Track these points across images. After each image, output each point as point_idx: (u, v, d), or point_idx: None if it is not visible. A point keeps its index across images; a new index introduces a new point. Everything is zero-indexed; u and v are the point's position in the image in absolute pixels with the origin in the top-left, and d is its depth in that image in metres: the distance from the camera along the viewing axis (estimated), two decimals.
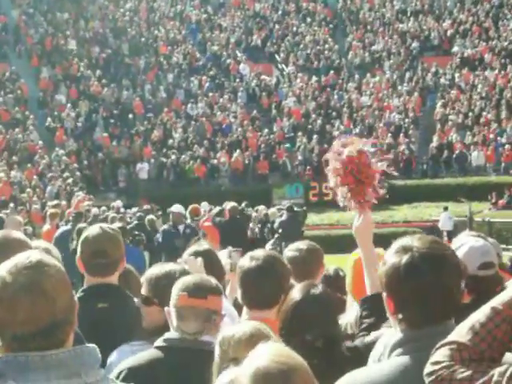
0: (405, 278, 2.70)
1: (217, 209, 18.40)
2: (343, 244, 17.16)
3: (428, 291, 2.68)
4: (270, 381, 2.23)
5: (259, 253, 4.21)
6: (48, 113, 36.48)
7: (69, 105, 36.56)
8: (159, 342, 3.60)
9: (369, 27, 46.13)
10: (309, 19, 46.57)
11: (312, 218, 28.22)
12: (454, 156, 36.04)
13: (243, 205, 20.45)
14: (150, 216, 18.64)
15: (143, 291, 3.98)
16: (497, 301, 2.34)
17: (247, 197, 25.22)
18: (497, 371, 2.20)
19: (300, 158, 36.08)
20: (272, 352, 2.30)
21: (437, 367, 2.31)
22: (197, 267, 4.61)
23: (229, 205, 17.81)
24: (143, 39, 42.67)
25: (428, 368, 2.33)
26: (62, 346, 2.42)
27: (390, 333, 3.02)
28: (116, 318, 3.90)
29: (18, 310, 2.37)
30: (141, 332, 3.87)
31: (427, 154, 37.04)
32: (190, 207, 17.92)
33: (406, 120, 38.83)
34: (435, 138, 37.23)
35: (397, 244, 2.80)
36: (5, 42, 40.35)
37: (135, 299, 4.17)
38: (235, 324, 4.00)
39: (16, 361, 2.36)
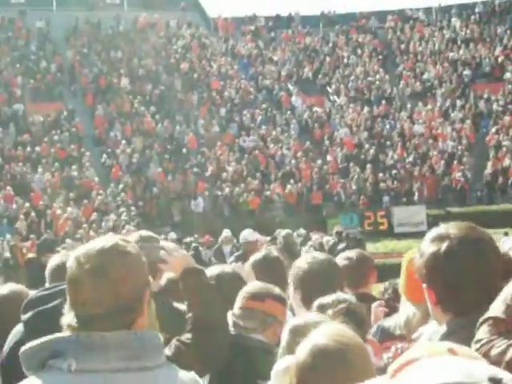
0: (446, 266, 2.66)
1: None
2: (399, 272, 17.01)
3: (470, 276, 2.65)
4: (328, 358, 2.27)
5: (316, 255, 4.27)
6: (103, 150, 36.95)
7: (123, 141, 36.98)
8: None
9: (419, 56, 46.05)
10: (359, 50, 46.69)
11: (367, 247, 28.04)
12: (510, 182, 35.64)
13: (296, 233, 20.44)
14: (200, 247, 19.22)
15: None
16: None
17: (302, 227, 25.21)
18: None
19: (354, 187, 36.00)
20: (332, 331, 2.34)
21: (478, 345, 2.32)
22: (245, 273, 4.70)
23: (282, 232, 17.82)
24: (195, 75, 43.11)
25: (472, 348, 2.33)
26: (124, 329, 2.46)
27: (429, 332, 3.00)
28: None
29: (81, 292, 2.45)
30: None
31: (482, 181, 36.69)
32: None
33: (460, 147, 38.55)
34: (489, 165, 36.88)
35: (431, 234, 2.77)
36: (60, 82, 41.06)
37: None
38: None
39: (77, 340, 2.41)
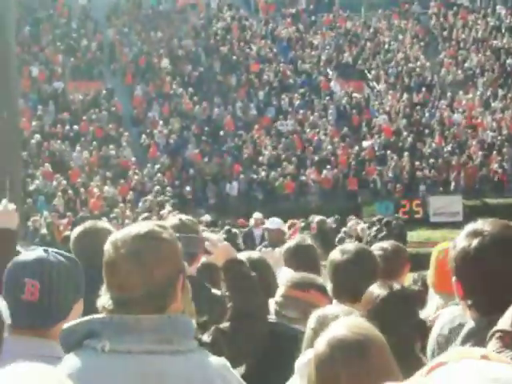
0: (474, 263, 2.64)
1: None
2: None
3: (498, 276, 2.62)
4: (346, 349, 2.28)
5: (349, 246, 4.26)
6: (141, 130, 37.11)
7: (161, 122, 37.11)
8: None
9: (462, 44, 45.58)
10: (400, 36, 46.31)
11: None
12: None
13: (331, 219, 20.40)
14: (234, 229, 18.99)
15: None
16: None
17: (337, 214, 25.15)
18: None
19: (390, 175, 35.82)
20: (351, 323, 2.36)
21: None
22: (274, 259, 4.71)
23: (316, 218, 17.76)
24: (235, 57, 43.08)
25: None
26: (158, 313, 2.53)
27: (449, 311, 3.00)
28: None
29: (116, 275, 2.54)
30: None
31: None
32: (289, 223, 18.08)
33: (499, 137, 38.17)
34: None
35: (468, 228, 2.74)
36: (100, 61, 41.28)
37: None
38: None
39: (112, 322, 2.50)
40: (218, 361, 2.62)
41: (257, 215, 19.01)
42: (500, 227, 2.70)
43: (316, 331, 2.97)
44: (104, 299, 2.56)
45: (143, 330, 2.48)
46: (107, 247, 2.58)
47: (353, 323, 2.40)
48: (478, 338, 2.61)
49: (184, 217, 4.88)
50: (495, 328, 2.35)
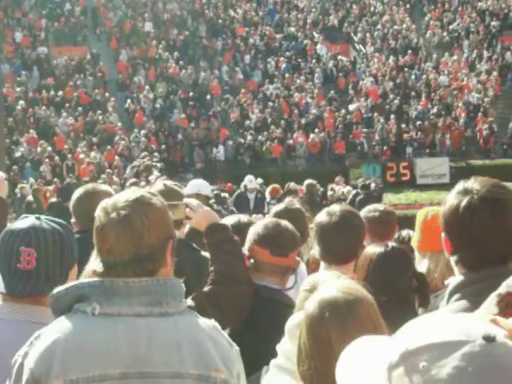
0: (462, 220, 2.70)
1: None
2: None
3: (485, 233, 2.67)
4: (336, 308, 2.32)
5: (336, 208, 4.26)
6: (127, 95, 36.93)
7: (147, 87, 36.94)
8: None
9: (447, 6, 45.46)
10: None
11: (389, 198, 28.05)
12: None
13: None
14: (223, 194, 19.02)
15: None
16: None
17: (324, 177, 25.22)
18: None
19: (377, 138, 35.84)
20: (340, 284, 2.40)
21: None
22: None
23: (305, 182, 17.84)
24: (220, 21, 42.82)
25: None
26: (146, 277, 2.56)
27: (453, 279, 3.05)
28: (185, 270, 4.01)
29: (106, 239, 2.56)
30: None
31: (506, 134, 36.40)
32: (270, 187, 18.12)
33: (485, 99, 38.21)
34: None
35: (459, 186, 2.81)
36: (84, 26, 40.95)
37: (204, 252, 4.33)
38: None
39: (101, 285, 2.52)
40: (207, 322, 2.66)
41: (249, 179, 19.06)
42: (489, 186, 2.75)
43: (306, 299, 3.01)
44: (94, 263, 2.59)
45: (132, 293, 2.51)
46: (97, 213, 2.61)
47: (341, 284, 2.44)
48: (464, 291, 2.70)
49: (169, 182, 4.88)
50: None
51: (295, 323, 2.76)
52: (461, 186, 2.79)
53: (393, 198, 29.19)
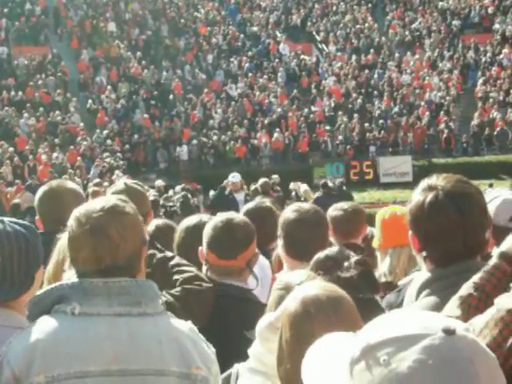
0: (428, 216, 2.71)
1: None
2: None
3: (451, 229, 2.69)
4: (320, 305, 2.31)
5: (301, 205, 4.26)
6: (89, 95, 36.71)
7: (109, 87, 36.75)
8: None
9: (408, 5, 45.77)
10: None
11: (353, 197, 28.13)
12: (495, 134, 35.69)
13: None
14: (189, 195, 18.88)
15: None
16: (474, 276, 2.43)
17: (288, 176, 25.18)
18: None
19: (340, 137, 35.96)
20: (321, 284, 2.39)
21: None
22: None
23: (260, 181, 17.68)
24: (182, 20, 42.72)
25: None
26: None
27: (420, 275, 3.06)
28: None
29: (82, 249, 2.56)
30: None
31: (468, 132, 36.70)
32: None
33: (447, 98, 38.48)
34: (476, 116, 36.90)
35: (423, 183, 2.82)
36: (45, 25, 40.63)
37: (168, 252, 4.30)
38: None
39: (81, 286, 2.53)
40: (185, 324, 2.68)
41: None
42: (454, 182, 2.77)
43: (279, 298, 2.97)
44: (69, 274, 2.61)
45: (112, 293, 2.52)
46: (71, 223, 2.61)
47: (320, 283, 2.43)
48: (432, 287, 2.72)
49: (129, 181, 4.84)
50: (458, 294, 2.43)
51: (265, 325, 2.73)
52: (425, 183, 2.81)
53: (356, 197, 29.24)
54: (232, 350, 3.06)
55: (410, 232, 2.81)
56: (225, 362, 2.98)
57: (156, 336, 2.54)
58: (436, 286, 2.69)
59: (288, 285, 2.94)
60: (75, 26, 40.56)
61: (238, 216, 3.99)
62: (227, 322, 3.66)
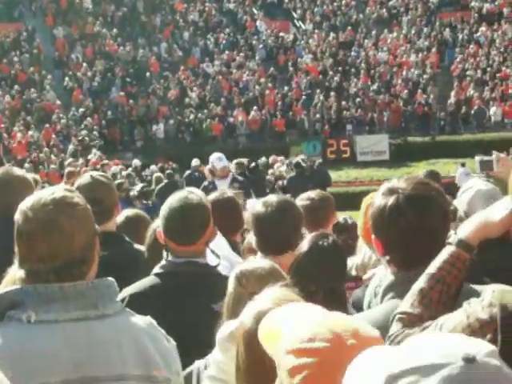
0: (390, 220, 2.70)
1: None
2: (361, 201, 16.94)
3: (413, 233, 2.68)
4: None
5: (272, 198, 4.22)
6: (64, 72, 36.41)
7: (85, 64, 36.47)
8: (157, 269, 3.77)
9: None
10: None
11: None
12: (472, 112, 35.74)
13: (259, 161, 20.33)
14: (158, 174, 18.86)
15: None
16: (431, 266, 2.46)
17: (264, 154, 25.16)
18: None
19: (317, 115, 35.90)
20: (276, 296, 2.34)
21: (388, 342, 2.36)
22: None
23: (235, 160, 17.53)
24: None
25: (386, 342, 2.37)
26: (79, 280, 2.49)
27: (382, 272, 3.03)
28: (116, 264, 3.90)
29: (35, 246, 2.44)
30: (142, 275, 3.90)
31: (445, 110, 36.73)
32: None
33: (424, 76, 38.49)
34: (453, 94, 36.91)
35: (384, 186, 2.81)
36: (20, 2, 40.20)
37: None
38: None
39: (36, 292, 2.43)
40: (144, 320, 2.62)
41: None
42: (414, 185, 2.75)
43: (236, 288, 3.07)
44: (20, 272, 2.48)
45: (69, 297, 2.44)
46: (17, 217, 2.48)
47: (279, 296, 2.37)
48: (396, 290, 2.73)
49: (95, 173, 4.78)
50: (397, 309, 2.45)
51: (226, 335, 2.77)
52: (385, 186, 2.80)
53: (334, 175, 29.23)
54: (201, 322, 3.20)
55: (373, 236, 2.81)
56: (194, 336, 3.16)
57: (115, 339, 2.48)
58: (399, 290, 2.67)
59: (244, 272, 3.03)
60: (50, 2, 40.16)
61: (192, 196, 3.82)
62: (196, 296, 3.64)
